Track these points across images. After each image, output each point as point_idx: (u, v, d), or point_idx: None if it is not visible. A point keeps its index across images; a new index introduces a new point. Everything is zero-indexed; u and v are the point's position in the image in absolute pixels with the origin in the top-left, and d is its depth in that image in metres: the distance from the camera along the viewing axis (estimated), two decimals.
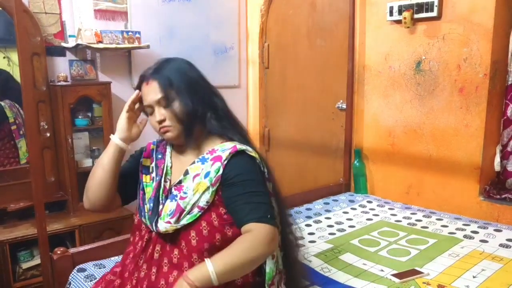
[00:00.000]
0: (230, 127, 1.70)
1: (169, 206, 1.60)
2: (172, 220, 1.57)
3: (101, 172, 1.70)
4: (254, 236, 1.48)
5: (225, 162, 1.58)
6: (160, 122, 1.62)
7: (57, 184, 3.53)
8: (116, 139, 1.72)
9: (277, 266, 1.67)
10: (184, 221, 1.56)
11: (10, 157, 3.45)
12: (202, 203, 1.56)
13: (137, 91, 1.72)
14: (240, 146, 1.61)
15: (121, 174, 1.76)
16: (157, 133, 1.70)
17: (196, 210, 1.56)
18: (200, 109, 1.63)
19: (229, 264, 1.44)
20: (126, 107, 1.73)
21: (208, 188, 1.56)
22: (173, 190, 1.63)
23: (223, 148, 1.62)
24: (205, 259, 1.45)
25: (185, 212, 1.56)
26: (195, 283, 1.38)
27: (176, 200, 1.59)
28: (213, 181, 1.56)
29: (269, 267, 1.62)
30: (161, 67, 1.65)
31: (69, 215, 3.40)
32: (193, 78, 1.67)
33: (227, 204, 1.57)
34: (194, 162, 1.63)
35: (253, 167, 1.61)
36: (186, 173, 1.62)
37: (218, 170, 1.57)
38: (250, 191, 1.55)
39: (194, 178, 1.59)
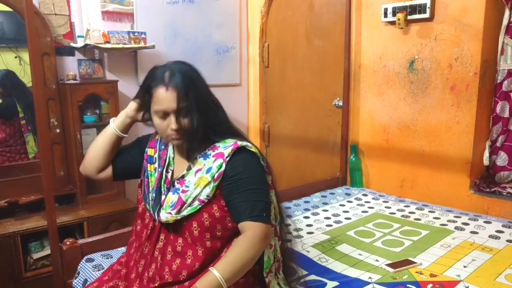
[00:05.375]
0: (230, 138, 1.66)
1: (171, 198, 1.60)
2: (173, 212, 1.57)
3: (95, 149, 1.80)
4: (249, 237, 1.51)
5: (227, 159, 1.57)
6: (175, 130, 1.57)
7: (66, 178, 3.53)
8: (112, 126, 1.77)
9: (275, 254, 1.68)
10: (185, 213, 1.57)
11: (22, 153, 3.45)
12: (203, 196, 1.56)
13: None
14: (241, 143, 1.61)
15: (121, 151, 1.83)
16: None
17: (196, 203, 1.57)
18: (204, 128, 1.60)
19: (233, 268, 1.47)
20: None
21: (209, 183, 1.56)
22: (176, 183, 1.63)
23: (225, 145, 1.61)
24: (210, 268, 1.47)
25: (186, 205, 1.57)
26: None
27: (178, 193, 1.60)
28: (215, 177, 1.56)
29: (267, 256, 1.63)
30: (176, 73, 1.58)
31: (78, 208, 3.40)
32: (203, 94, 1.61)
33: (227, 199, 1.58)
34: (196, 158, 1.63)
35: (254, 164, 1.61)
36: (189, 168, 1.62)
37: (220, 167, 1.57)
38: (249, 189, 1.55)
39: (196, 173, 1.59)
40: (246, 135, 1.77)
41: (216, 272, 1.44)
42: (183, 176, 1.62)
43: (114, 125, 1.78)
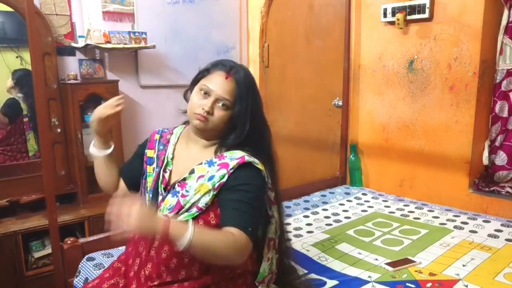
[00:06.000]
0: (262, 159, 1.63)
1: (169, 201, 1.57)
2: (170, 215, 1.54)
3: (98, 175, 1.80)
4: (235, 240, 1.43)
5: (231, 171, 1.54)
6: (206, 111, 1.56)
7: (67, 177, 3.52)
8: (95, 152, 1.75)
9: (270, 267, 1.68)
10: (181, 218, 1.53)
11: (23, 151, 3.45)
12: (201, 204, 1.53)
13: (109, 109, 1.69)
14: (248, 158, 1.57)
15: (126, 163, 1.86)
16: (187, 110, 1.64)
17: (194, 210, 1.53)
18: (245, 134, 1.60)
19: (205, 243, 1.38)
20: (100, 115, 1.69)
21: (209, 191, 1.53)
22: (176, 186, 1.60)
23: (232, 157, 1.58)
24: (190, 220, 1.42)
25: (183, 210, 1.54)
26: (169, 231, 1.32)
27: (177, 196, 1.56)
28: (215, 186, 1.53)
29: (262, 268, 1.63)
30: (243, 73, 1.61)
31: (79, 207, 3.40)
32: (254, 106, 1.62)
33: (219, 204, 1.54)
34: (201, 163, 1.60)
35: (256, 180, 1.57)
36: (192, 172, 1.59)
37: (223, 177, 1.53)
38: (244, 201, 1.50)
39: (198, 178, 1.56)
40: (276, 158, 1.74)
41: (192, 228, 1.34)
42: (184, 179, 1.59)
43: (94, 148, 1.76)
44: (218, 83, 1.58)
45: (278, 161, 1.72)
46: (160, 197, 1.62)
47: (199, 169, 1.58)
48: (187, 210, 1.54)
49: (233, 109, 1.57)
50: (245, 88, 1.59)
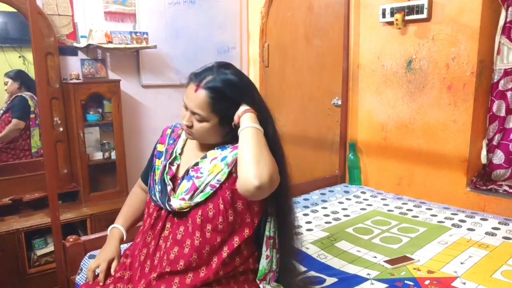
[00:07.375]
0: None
1: (185, 185, 1.58)
2: (187, 197, 1.55)
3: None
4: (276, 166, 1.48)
5: None
6: (186, 125, 1.58)
7: (69, 175, 3.53)
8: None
9: (270, 265, 1.67)
10: (198, 199, 1.54)
11: (26, 150, 3.45)
12: (214, 181, 1.54)
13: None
14: None
15: (145, 167, 1.86)
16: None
17: (208, 189, 1.54)
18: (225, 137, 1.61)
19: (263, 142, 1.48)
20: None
21: (222, 169, 1.54)
22: (190, 171, 1.61)
23: None
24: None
25: (198, 190, 1.55)
26: (250, 116, 1.51)
27: (192, 179, 1.58)
28: (229, 163, 1.54)
29: (262, 266, 1.63)
30: (215, 82, 1.55)
31: (81, 205, 3.40)
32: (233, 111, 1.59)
33: None
34: (213, 149, 1.62)
35: None
36: (204, 156, 1.61)
37: (236, 154, 1.53)
38: None
39: (211, 161, 1.58)
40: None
41: (259, 127, 1.50)
42: (197, 164, 1.61)
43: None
44: (189, 97, 1.56)
45: (286, 159, 1.73)
46: (168, 188, 1.62)
47: (211, 153, 1.61)
48: (201, 191, 1.55)
49: (213, 119, 1.56)
50: (218, 97, 1.54)
